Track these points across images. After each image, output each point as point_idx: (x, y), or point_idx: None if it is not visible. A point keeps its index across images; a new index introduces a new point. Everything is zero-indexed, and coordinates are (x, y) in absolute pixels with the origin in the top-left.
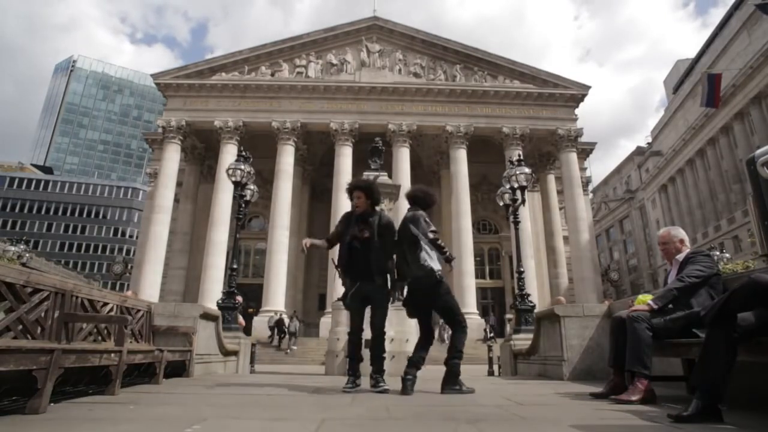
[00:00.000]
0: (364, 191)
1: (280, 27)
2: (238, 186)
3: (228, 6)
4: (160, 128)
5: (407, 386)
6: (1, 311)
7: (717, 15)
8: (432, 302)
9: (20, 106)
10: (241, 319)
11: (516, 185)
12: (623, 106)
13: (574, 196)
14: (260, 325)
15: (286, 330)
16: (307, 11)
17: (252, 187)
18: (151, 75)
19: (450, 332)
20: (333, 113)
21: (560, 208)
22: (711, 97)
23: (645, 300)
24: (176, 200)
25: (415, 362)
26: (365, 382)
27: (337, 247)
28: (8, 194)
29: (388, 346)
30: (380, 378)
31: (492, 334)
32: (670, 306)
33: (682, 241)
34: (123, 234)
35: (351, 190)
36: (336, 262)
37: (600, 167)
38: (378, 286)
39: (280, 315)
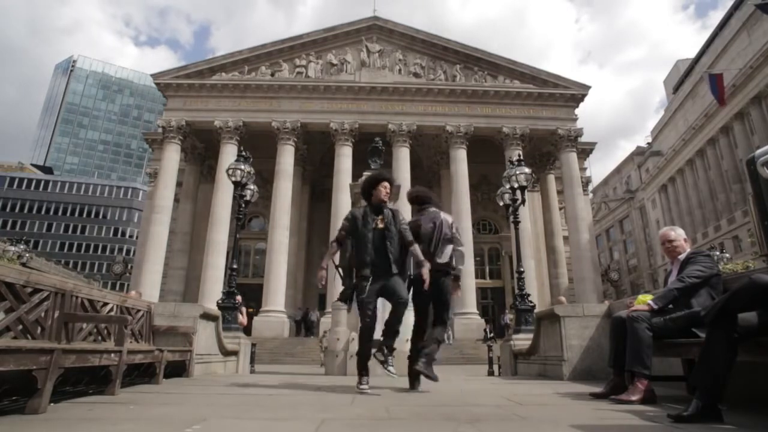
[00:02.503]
0: (391, 184)
1: (282, 30)
2: (238, 186)
3: (230, 9)
4: (160, 128)
5: (415, 383)
6: (1, 311)
7: (716, 17)
8: (439, 294)
9: (22, 107)
10: (242, 318)
11: (516, 185)
12: (623, 108)
13: (574, 196)
14: (261, 325)
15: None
16: (310, 14)
17: (252, 187)
18: (151, 75)
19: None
20: (333, 113)
21: (560, 208)
22: (716, 95)
23: (645, 300)
24: (176, 200)
25: (416, 357)
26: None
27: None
28: (8, 194)
29: None
30: (390, 357)
31: (492, 335)
32: (670, 306)
33: (686, 240)
34: (123, 234)
35: (378, 181)
36: (337, 263)
37: (600, 168)
38: (397, 276)
39: (306, 309)
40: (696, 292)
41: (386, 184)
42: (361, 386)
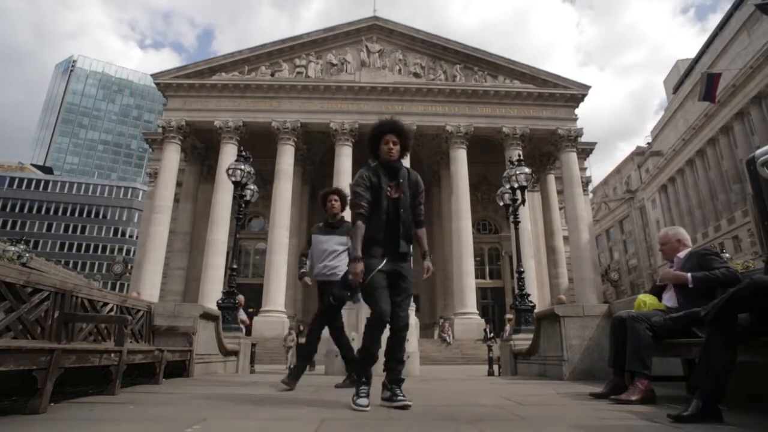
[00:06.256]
0: (399, 136)
1: (286, 34)
2: (238, 186)
3: (234, 13)
4: (160, 128)
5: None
6: (1, 311)
7: (716, 21)
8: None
9: (27, 108)
10: (245, 316)
11: (516, 185)
12: (622, 110)
13: (574, 196)
14: (261, 325)
15: None
16: (313, 17)
17: (252, 187)
18: (151, 75)
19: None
20: (333, 113)
21: (560, 208)
22: (708, 93)
23: (645, 300)
24: (176, 200)
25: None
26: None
27: None
28: (8, 194)
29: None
30: (397, 389)
31: (492, 335)
32: (676, 306)
33: (679, 241)
34: (123, 234)
35: (381, 134)
36: None
37: (599, 170)
38: (407, 261)
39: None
40: (714, 290)
41: (393, 138)
42: (359, 400)
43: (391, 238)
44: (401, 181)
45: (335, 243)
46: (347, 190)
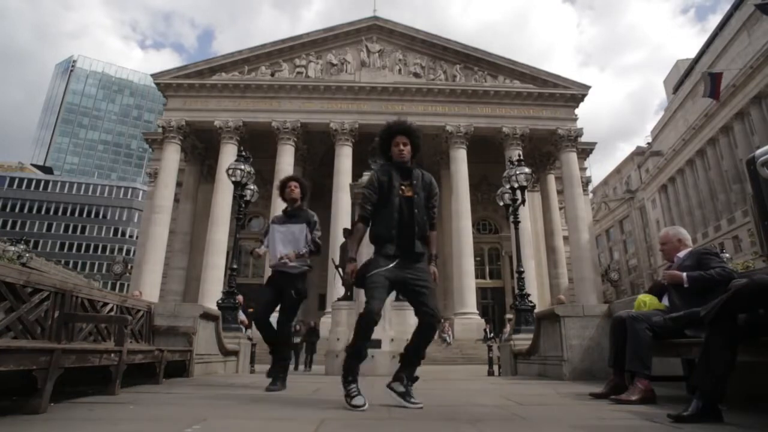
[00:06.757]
0: (409, 136)
1: (286, 34)
2: (238, 186)
3: (234, 14)
4: (160, 128)
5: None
6: (2, 311)
7: (716, 21)
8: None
9: (28, 109)
10: (243, 317)
11: (516, 185)
12: (622, 111)
13: (574, 196)
14: None
15: None
16: (314, 18)
17: (252, 187)
18: (151, 75)
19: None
20: (333, 113)
21: (560, 208)
22: (712, 91)
23: (645, 300)
24: (176, 200)
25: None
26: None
27: (336, 245)
28: (8, 194)
29: (387, 346)
30: (411, 387)
31: (492, 335)
32: (677, 304)
33: (680, 240)
34: (123, 234)
35: (392, 135)
36: (336, 262)
37: (599, 170)
38: (422, 262)
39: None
40: (714, 290)
41: (404, 139)
42: (354, 400)
43: (406, 237)
44: (414, 181)
45: (290, 232)
46: (347, 191)
